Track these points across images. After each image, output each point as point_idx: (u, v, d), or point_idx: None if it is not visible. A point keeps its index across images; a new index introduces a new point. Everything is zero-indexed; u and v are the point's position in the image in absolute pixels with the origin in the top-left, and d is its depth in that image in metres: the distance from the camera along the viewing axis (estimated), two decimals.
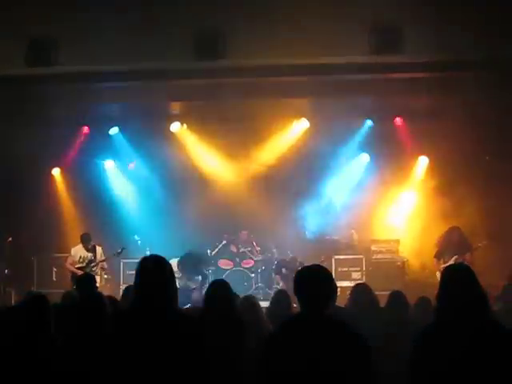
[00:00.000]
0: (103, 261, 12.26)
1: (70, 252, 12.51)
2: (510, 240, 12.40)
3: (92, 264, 12.09)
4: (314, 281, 3.81)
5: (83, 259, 12.16)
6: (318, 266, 4.01)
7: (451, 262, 11.06)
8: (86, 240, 12.23)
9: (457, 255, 11.31)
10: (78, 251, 12.27)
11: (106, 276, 12.93)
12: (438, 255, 11.66)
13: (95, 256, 12.17)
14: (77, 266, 12.09)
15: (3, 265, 13.13)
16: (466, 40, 9.80)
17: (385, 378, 3.70)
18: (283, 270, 12.69)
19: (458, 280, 3.81)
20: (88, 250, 12.20)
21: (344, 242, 13.83)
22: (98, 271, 12.10)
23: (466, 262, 10.66)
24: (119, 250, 12.30)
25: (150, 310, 3.72)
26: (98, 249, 12.32)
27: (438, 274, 10.86)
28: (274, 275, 13.06)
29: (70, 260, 12.32)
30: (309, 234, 13.78)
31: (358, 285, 7.24)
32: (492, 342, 3.62)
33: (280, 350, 3.66)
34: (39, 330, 4.72)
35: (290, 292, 4.69)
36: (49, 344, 4.66)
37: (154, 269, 3.83)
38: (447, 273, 3.93)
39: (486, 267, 10.31)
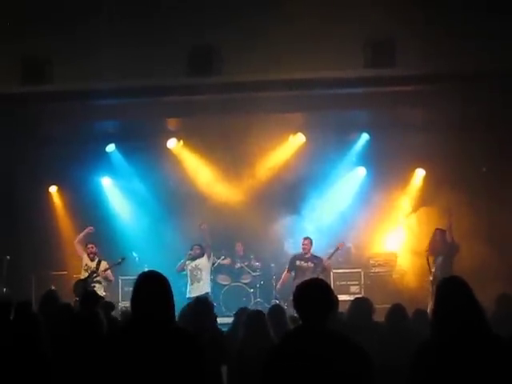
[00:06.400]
0: (106, 270, 12.39)
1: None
2: (508, 247, 12.40)
3: (94, 275, 12.31)
4: (311, 295, 3.80)
5: (88, 268, 12.46)
6: (316, 279, 4.00)
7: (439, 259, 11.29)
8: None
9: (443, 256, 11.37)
10: (86, 259, 12.64)
11: (104, 293, 12.93)
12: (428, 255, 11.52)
13: (98, 268, 12.39)
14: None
15: (1, 284, 13.07)
16: (459, 52, 9.86)
17: None
18: (297, 262, 12.16)
19: (452, 293, 3.77)
20: (92, 258, 12.49)
21: (342, 255, 13.76)
22: (101, 281, 12.33)
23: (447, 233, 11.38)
24: (119, 260, 12.52)
25: (146, 325, 3.70)
26: (103, 263, 12.50)
27: (430, 277, 11.08)
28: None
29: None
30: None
31: (357, 299, 7.21)
32: (492, 355, 3.59)
33: (281, 363, 3.64)
34: (28, 344, 4.68)
35: None
36: (38, 357, 4.61)
37: (151, 284, 3.82)
38: (442, 287, 3.90)
39: (482, 271, 10.44)
